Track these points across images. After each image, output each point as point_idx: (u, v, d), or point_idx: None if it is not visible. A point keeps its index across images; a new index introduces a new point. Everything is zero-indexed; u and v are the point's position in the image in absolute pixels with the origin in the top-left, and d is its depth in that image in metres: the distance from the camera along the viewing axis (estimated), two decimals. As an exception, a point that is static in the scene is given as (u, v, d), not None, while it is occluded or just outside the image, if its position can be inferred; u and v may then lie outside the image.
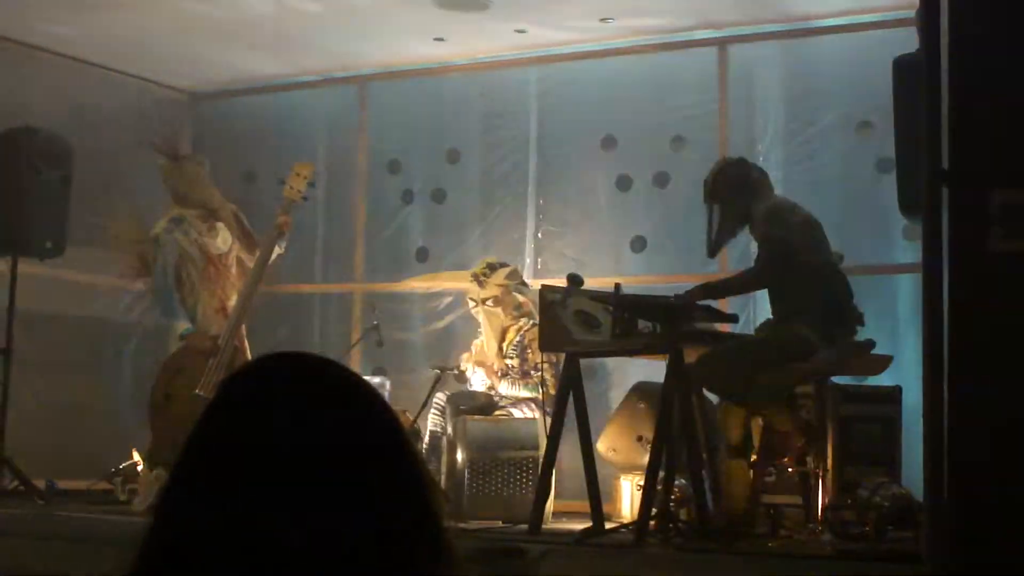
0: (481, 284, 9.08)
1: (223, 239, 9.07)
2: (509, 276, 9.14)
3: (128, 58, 10.88)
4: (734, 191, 7.45)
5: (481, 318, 9.20)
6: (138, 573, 1.56)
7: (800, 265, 7.18)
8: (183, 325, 9.05)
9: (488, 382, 9.10)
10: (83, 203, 9.71)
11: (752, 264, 7.59)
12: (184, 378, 8.72)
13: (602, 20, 9.62)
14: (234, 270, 9.14)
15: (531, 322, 8.94)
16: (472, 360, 9.19)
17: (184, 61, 10.96)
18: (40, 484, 9.06)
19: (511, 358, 9.01)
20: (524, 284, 9.25)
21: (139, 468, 8.96)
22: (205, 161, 9.32)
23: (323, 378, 1.66)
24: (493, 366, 9.05)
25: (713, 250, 7.73)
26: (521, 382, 8.93)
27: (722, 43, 9.85)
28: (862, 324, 7.32)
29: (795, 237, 7.22)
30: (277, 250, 8.95)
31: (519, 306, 9.09)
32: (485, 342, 9.18)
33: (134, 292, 9.58)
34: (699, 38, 9.89)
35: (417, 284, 10.49)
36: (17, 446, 9.15)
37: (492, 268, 9.14)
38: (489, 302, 9.08)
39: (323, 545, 1.52)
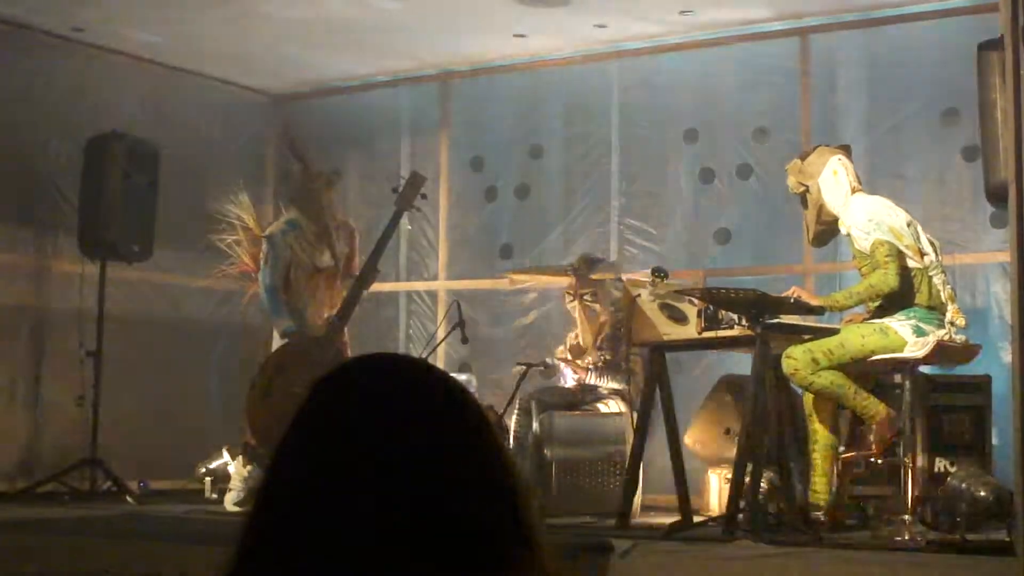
0: (580, 278, 9.04)
1: (326, 258, 9.19)
2: (607, 270, 9.10)
3: (212, 62, 10.99)
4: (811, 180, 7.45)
5: (577, 312, 9.17)
6: (236, 571, 1.58)
7: (901, 267, 7.15)
8: (287, 323, 9.12)
9: (577, 376, 9.07)
10: (169, 207, 9.83)
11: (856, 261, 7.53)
12: (284, 376, 8.79)
13: (682, 13, 9.58)
14: (339, 284, 9.26)
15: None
16: (566, 354, 9.16)
17: (267, 64, 11.04)
18: (132, 484, 9.18)
19: (603, 350, 8.97)
20: (619, 279, 9.17)
21: (229, 467, 9.05)
22: (334, 180, 9.43)
23: (413, 378, 1.68)
24: (587, 360, 9.02)
25: (814, 240, 7.75)
26: (609, 374, 8.91)
27: (803, 33, 9.78)
28: (959, 326, 7.25)
29: (898, 239, 7.18)
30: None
31: (615, 300, 9.02)
32: (580, 336, 9.13)
33: (245, 289, 9.71)
34: (780, 29, 9.82)
35: (517, 277, 10.47)
36: (109, 447, 9.28)
37: (591, 262, 9.10)
38: (587, 297, 9.03)
39: (415, 540, 1.53)
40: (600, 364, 8.95)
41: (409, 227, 11.13)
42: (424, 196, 9.40)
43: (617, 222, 10.37)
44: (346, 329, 9.14)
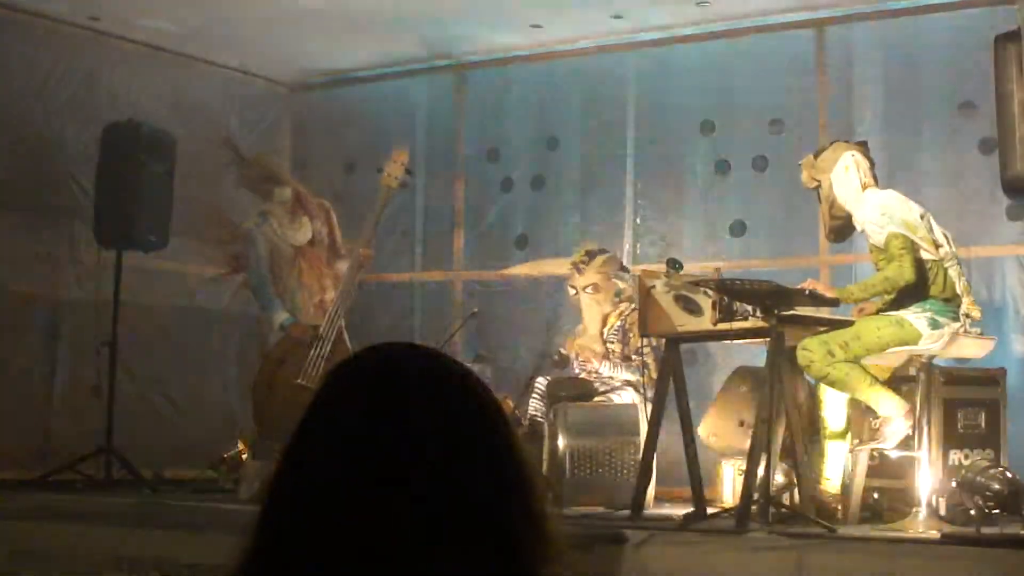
0: (580, 271, 9.05)
1: (303, 233, 9.21)
2: (607, 263, 9.10)
3: (229, 51, 11.00)
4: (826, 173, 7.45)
5: (582, 305, 9.19)
6: (247, 562, 1.59)
7: (916, 260, 7.14)
8: (283, 315, 9.15)
9: (588, 367, 9.09)
10: (186, 195, 9.84)
11: (871, 254, 7.51)
12: (286, 368, 8.81)
13: (698, 4, 9.57)
14: (325, 261, 9.28)
15: (632, 307, 8.91)
16: (574, 347, 9.18)
17: (283, 53, 11.05)
18: (147, 473, 9.20)
19: (612, 343, 8.99)
20: (624, 270, 9.19)
21: (244, 457, 9.07)
22: (270, 155, 9.48)
23: (429, 368, 1.68)
24: (595, 351, 9.04)
25: (831, 235, 7.75)
26: (622, 365, 8.92)
27: (819, 24, 9.76)
28: (974, 319, 7.24)
29: (911, 231, 7.17)
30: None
31: (619, 292, 9.05)
32: (586, 327, 9.16)
33: (236, 281, 9.71)
34: (796, 20, 9.81)
35: (518, 271, 10.50)
36: (124, 436, 9.29)
37: (591, 255, 9.10)
38: (588, 289, 9.04)
39: (428, 534, 1.54)
40: (612, 356, 8.96)
41: (423, 218, 11.15)
42: (410, 172, 9.39)
43: (633, 213, 10.37)
44: (342, 320, 9.15)
